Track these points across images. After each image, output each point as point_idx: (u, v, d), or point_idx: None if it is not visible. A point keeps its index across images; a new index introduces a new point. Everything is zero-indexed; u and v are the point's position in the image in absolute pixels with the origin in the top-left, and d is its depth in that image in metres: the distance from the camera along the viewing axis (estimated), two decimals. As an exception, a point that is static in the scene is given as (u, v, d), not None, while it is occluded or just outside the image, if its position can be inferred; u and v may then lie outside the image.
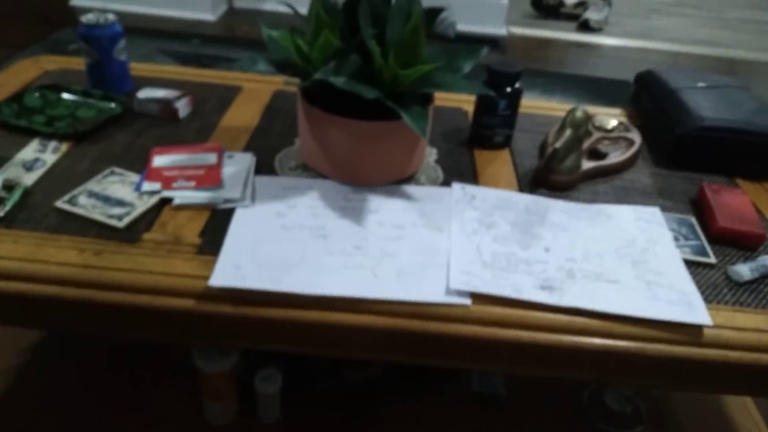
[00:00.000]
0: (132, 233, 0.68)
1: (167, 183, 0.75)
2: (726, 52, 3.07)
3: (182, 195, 0.74)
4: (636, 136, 0.94)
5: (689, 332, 0.62)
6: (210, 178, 0.76)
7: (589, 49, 3.02)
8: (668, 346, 0.62)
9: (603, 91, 2.44)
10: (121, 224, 0.69)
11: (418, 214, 0.74)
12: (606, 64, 2.85)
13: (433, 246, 0.70)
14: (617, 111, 1.08)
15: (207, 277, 0.62)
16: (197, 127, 0.90)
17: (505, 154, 0.90)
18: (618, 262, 0.70)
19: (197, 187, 0.74)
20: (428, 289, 0.64)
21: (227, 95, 0.99)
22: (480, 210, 0.76)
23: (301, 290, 0.62)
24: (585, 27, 3.18)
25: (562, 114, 1.03)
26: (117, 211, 0.70)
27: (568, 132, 0.80)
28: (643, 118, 1.03)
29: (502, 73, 0.85)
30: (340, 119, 0.73)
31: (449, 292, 0.63)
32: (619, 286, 0.66)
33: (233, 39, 2.72)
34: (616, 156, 0.90)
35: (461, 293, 0.63)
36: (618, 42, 3.09)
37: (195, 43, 2.57)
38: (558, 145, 0.79)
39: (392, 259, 0.67)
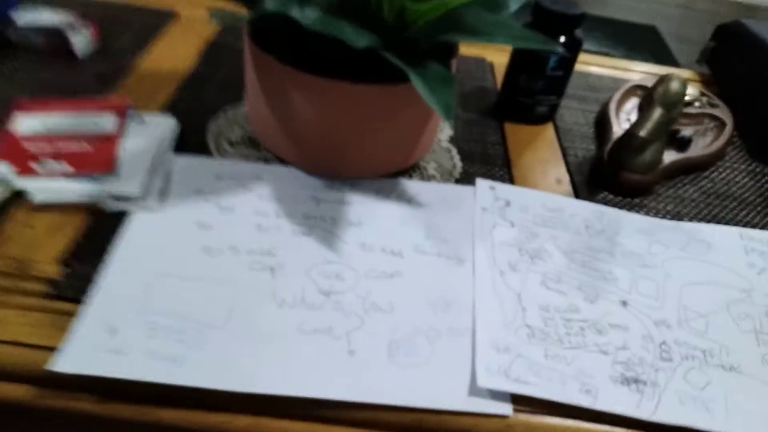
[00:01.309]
0: (-56, 255, 0.41)
1: (25, 164, 0.47)
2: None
3: (44, 186, 0.46)
4: (725, 115, 0.67)
5: None
6: (97, 158, 0.48)
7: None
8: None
9: (622, 36, 2.11)
10: (-73, 238, 0.41)
11: (424, 232, 0.48)
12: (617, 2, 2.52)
13: (449, 292, 0.43)
14: (684, 74, 0.81)
15: (55, 349, 0.36)
16: (100, 70, 0.60)
17: (548, 133, 0.63)
18: (734, 330, 0.44)
19: (74, 174, 0.47)
20: (441, 385, 0.38)
21: (152, 24, 0.69)
22: (519, 227, 0.49)
23: (222, 386, 0.36)
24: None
25: (621, 74, 0.76)
26: (-72, 212, 0.42)
27: (657, 112, 0.53)
28: (730, 88, 0.75)
29: (557, 14, 0.57)
30: (309, 78, 0.44)
31: (476, 391, 0.37)
32: (743, 379, 0.41)
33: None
34: (703, 145, 0.63)
35: (496, 395, 0.37)
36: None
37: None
38: (644, 132, 0.52)
39: (382, 318, 0.41)
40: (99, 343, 0.36)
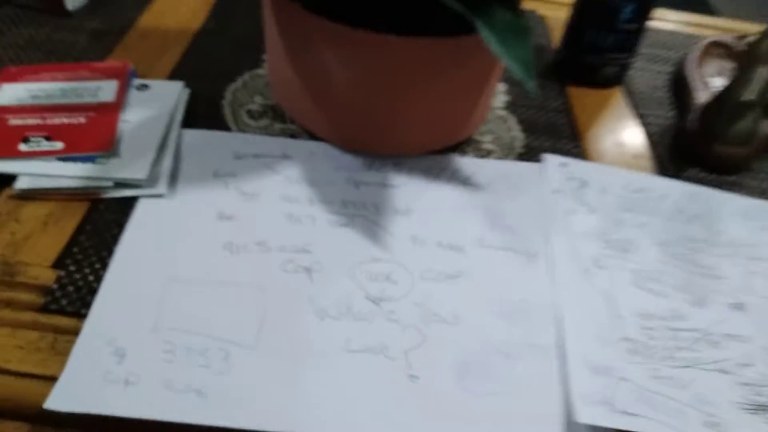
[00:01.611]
0: None
1: (8, 142, 0.39)
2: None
3: (35, 170, 0.38)
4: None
5: None
6: (95, 134, 0.40)
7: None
8: None
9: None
10: None
11: (486, 220, 0.40)
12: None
13: (523, 297, 0.35)
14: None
15: (54, 379, 0.28)
16: (95, 28, 0.52)
17: (617, 98, 0.54)
18: None
19: (67, 154, 0.39)
20: (527, 420, 0.30)
21: (156, -25, 0.60)
22: (600, 212, 0.41)
23: (255, 425, 0.28)
24: None
25: (694, 30, 0.66)
26: None
27: (763, 72, 0.44)
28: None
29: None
30: (343, 30, 0.36)
31: (573, 428, 0.30)
32: None
33: None
34: (800, 108, 0.54)
35: (601, 431, 0.30)
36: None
37: None
38: (748, 95, 0.43)
39: (446, 332, 0.33)
40: (104, 371, 0.29)
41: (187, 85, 0.45)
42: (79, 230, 0.35)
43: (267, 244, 0.36)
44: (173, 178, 0.39)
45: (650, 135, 0.50)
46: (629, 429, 0.29)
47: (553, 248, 0.38)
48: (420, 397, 0.30)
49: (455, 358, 0.32)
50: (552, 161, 0.44)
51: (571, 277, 0.37)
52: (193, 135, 0.42)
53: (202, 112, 0.44)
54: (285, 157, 0.42)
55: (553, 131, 0.48)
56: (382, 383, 0.30)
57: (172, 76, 0.47)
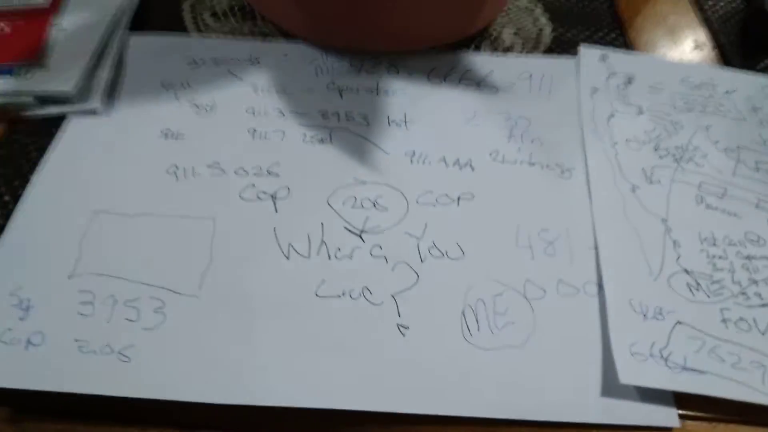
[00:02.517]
0: None
1: None
2: None
3: (-62, 87, 0.31)
4: None
5: None
6: (20, 42, 0.33)
7: None
8: None
9: None
10: None
11: (504, 130, 0.31)
12: None
13: (552, 223, 0.27)
14: None
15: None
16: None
17: (670, -21, 0.43)
18: None
19: (-17, 66, 0.32)
20: (555, 381, 0.23)
21: None
22: (651, 114, 0.32)
23: (200, 397, 0.22)
24: None
25: None
26: None
27: None
28: None
29: None
30: None
31: (616, 390, 0.22)
32: None
33: None
34: None
35: (650, 394, 0.22)
36: None
37: None
38: None
39: (448, 269, 0.25)
40: (1, 329, 0.23)
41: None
42: (-6, 159, 0.29)
43: (221, 166, 0.28)
44: (112, 91, 0.32)
45: (712, 19, 0.39)
46: (689, 391, 0.22)
47: (592, 161, 0.30)
48: (412, 354, 0.23)
49: (460, 301, 0.24)
50: (589, 54, 0.35)
51: (614, 196, 0.28)
52: (141, 41, 0.35)
53: (157, 15, 0.37)
54: (252, 61, 0.34)
55: (590, 19, 0.39)
56: (362, 337, 0.23)
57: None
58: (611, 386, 0.22)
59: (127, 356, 0.22)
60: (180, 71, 0.33)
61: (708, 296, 0.25)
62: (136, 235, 0.26)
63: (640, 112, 0.32)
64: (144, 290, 0.24)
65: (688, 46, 0.38)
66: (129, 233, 0.26)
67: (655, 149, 0.31)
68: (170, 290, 0.24)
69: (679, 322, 0.24)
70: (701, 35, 0.39)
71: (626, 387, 0.22)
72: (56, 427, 0.22)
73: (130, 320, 0.23)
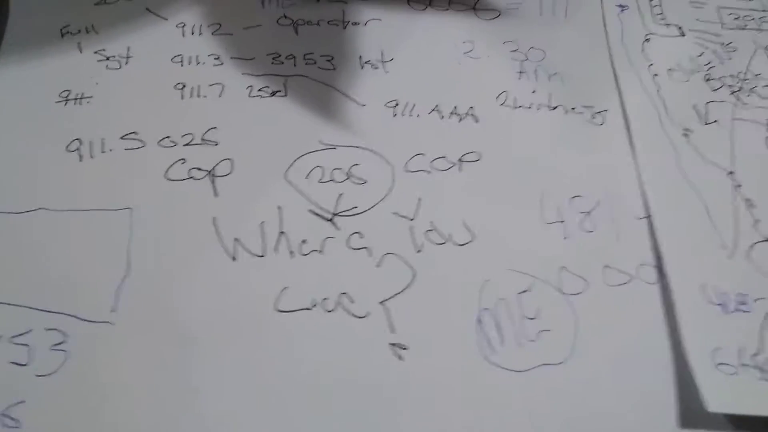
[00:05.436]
0: None
1: None
2: None
3: None
4: None
5: None
6: None
7: None
8: None
9: None
10: None
11: (513, 64, 0.24)
12: None
13: (584, 186, 0.21)
14: None
15: None
16: None
17: None
18: None
19: None
20: (617, 411, 0.16)
21: None
22: (693, 33, 0.25)
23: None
24: None
25: None
26: None
27: None
28: None
29: None
30: None
31: (695, 419, 0.16)
32: None
33: None
34: None
35: (754, 421, 0.16)
36: None
37: None
38: None
39: (449, 257, 0.19)
40: None
41: None
42: None
43: (140, 137, 0.21)
44: (-7, 42, 0.24)
45: None
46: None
47: (630, 100, 0.23)
48: (415, 386, 0.17)
49: (472, 306, 0.18)
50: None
51: (663, 145, 0.22)
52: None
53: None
54: (178, -6, 0.26)
55: None
56: (344, 366, 0.17)
57: None
58: (693, 413, 0.16)
59: (14, 419, 0.16)
60: (84, 12, 0.25)
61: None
62: (25, 241, 0.19)
63: (682, 33, 0.25)
64: (37, 319, 0.17)
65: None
66: (14, 239, 0.19)
67: (706, 80, 0.24)
68: (73, 316, 0.17)
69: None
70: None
71: (713, 417, 0.16)
72: None
73: (18, 364, 0.17)
